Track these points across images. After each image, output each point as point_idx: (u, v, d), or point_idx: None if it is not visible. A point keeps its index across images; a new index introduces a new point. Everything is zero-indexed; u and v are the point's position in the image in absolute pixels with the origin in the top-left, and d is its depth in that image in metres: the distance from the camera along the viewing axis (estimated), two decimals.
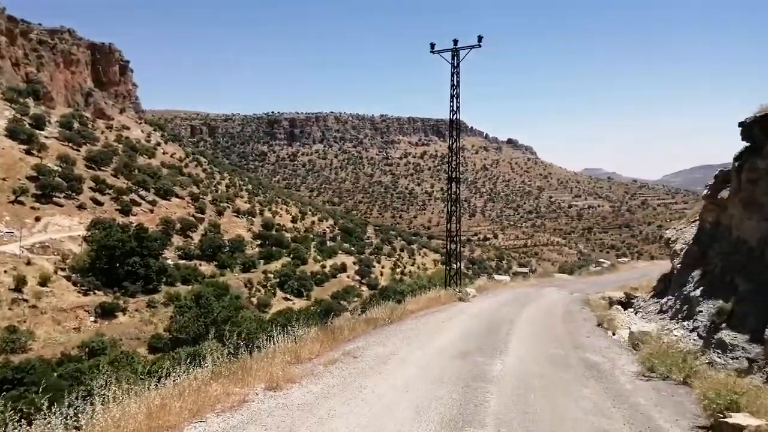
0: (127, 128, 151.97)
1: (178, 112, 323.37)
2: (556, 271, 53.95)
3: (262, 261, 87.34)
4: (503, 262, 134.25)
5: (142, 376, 9.20)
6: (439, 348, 12.57)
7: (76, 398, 6.59)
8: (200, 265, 78.16)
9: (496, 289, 29.44)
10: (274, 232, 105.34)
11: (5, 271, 57.59)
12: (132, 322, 56.93)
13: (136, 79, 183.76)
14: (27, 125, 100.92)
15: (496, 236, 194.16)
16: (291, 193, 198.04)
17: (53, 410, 6.19)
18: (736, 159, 16.83)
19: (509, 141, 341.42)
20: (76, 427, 6.22)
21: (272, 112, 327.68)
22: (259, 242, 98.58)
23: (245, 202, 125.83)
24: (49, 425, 6.05)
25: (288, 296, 76.20)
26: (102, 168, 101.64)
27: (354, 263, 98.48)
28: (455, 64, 30.87)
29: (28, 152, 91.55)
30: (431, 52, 31.18)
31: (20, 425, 5.81)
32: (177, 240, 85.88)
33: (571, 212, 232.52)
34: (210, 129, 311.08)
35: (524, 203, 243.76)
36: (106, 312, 56.18)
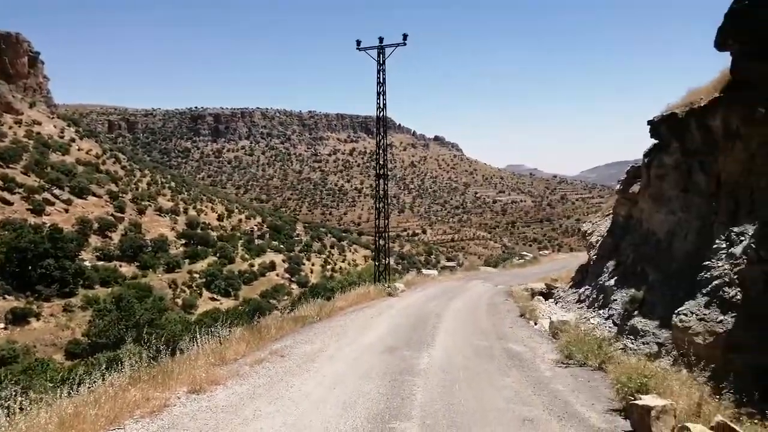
0: (38, 123, 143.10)
1: (94, 106, 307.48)
2: (482, 265, 55.44)
3: (187, 261, 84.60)
4: (432, 256, 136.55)
5: (58, 384, 8.71)
6: (367, 344, 12.62)
7: None
8: (120, 266, 74.83)
9: (425, 283, 29.89)
10: (199, 231, 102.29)
11: None
12: (47, 327, 53.76)
13: (48, 71, 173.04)
14: None
15: (424, 231, 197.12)
16: (217, 191, 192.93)
17: None
18: (645, 155, 17.85)
19: (436, 138, 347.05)
20: None
21: (195, 108, 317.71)
22: (183, 241, 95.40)
23: (168, 200, 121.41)
24: None
25: (215, 296, 74.26)
26: (11, 165, 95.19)
27: (283, 261, 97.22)
28: (381, 62, 31.02)
29: None
30: (357, 49, 31.19)
31: None
32: (95, 240, 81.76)
33: (496, 207, 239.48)
34: (129, 124, 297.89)
35: (451, 199, 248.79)
36: (17, 318, 52.80)
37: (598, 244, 23.00)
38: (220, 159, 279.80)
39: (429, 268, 43.00)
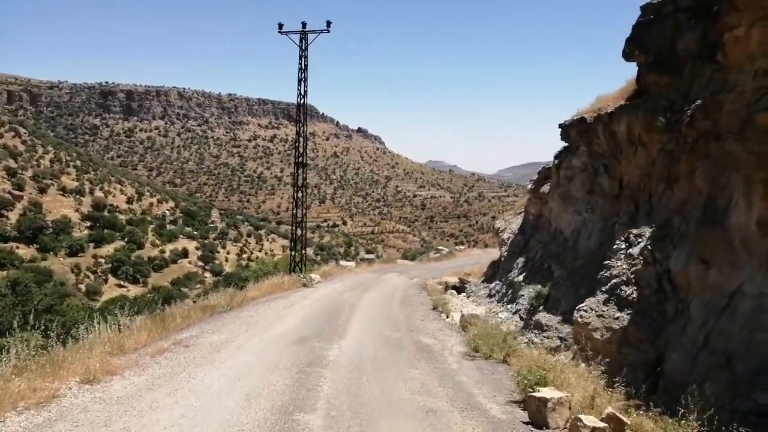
0: None
1: None
2: (400, 258, 56.14)
3: (92, 244, 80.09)
4: (351, 248, 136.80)
5: None
6: (277, 335, 12.42)
7: None
8: (17, 248, 69.82)
9: (342, 274, 29.86)
10: (106, 214, 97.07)
11: None
12: None
13: None
14: None
15: (345, 223, 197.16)
16: (127, 172, 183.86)
17: None
18: (556, 157, 18.61)
19: (359, 130, 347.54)
20: None
21: (106, 83, 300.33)
22: (88, 224, 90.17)
23: (73, 180, 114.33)
24: None
25: (122, 283, 70.83)
26: None
27: (197, 248, 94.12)
28: (303, 48, 30.57)
29: None
30: (279, 32, 30.56)
31: None
32: None
33: (416, 202, 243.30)
34: (32, 96, 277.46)
35: (372, 191, 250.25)
36: None
37: (509, 241, 23.80)
38: (132, 139, 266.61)
39: (348, 260, 43.04)
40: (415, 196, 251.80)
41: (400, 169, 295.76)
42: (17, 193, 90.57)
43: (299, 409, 7.40)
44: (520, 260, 20.69)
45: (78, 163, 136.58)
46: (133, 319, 11.72)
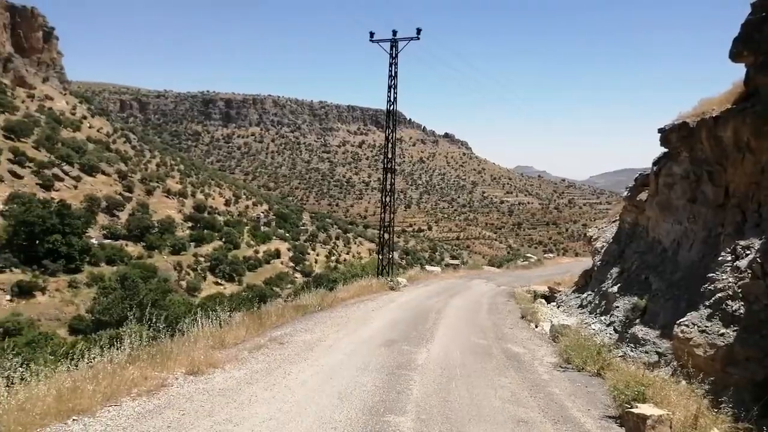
0: (51, 99, 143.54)
1: (107, 85, 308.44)
2: (486, 264, 55.38)
3: (192, 244, 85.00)
4: (436, 253, 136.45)
5: (59, 359, 8.78)
6: (367, 336, 12.65)
7: None
8: (127, 245, 75.27)
9: (427, 279, 29.90)
10: (206, 215, 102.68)
11: None
12: (52, 302, 54.20)
13: (62, 47, 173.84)
14: None
15: (430, 228, 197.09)
16: (225, 176, 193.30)
17: None
18: (654, 164, 17.72)
19: (446, 135, 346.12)
20: None
21: (207, 91, 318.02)
22: (190, 224, 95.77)
23: (176, 183, 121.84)
24: None
25: (219, 281, 74.64)
26: (22, 139, 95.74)
27: (288, 250, 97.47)
28: (394, 55, 30.96)
29: None
30: (370, 41, 31.14)
31: None
32: (102, 219, 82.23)
33: (503, 208, 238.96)
34: (141, 105, 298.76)
35: (458, 197, 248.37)
36: (23, 291, 53.26)
37: (602, 250, 22.90)
38: (230, 144, 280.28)
39: (433, 265, 43.01)
40: (502, 202, 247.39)
41: (486, 174, 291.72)
42: (127, 194, 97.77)
43: (390, 410, 7.53)
44: (615, 270, 19.86)
45: (181, 167, 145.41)
46: (232, 315, 12.37)
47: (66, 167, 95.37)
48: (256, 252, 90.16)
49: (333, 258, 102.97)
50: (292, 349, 10.76)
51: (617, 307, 17.68)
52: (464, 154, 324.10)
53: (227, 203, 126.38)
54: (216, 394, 7.79)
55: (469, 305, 19.62)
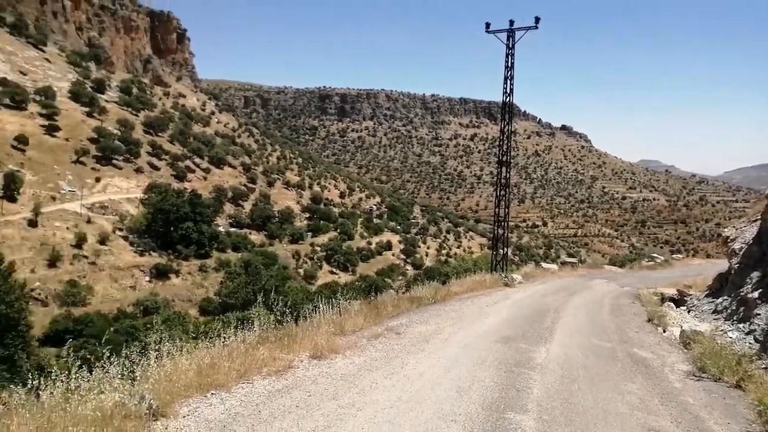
0: (183, 96, 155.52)
1: (233, 82, 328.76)
2: (606, 263, 52.72)
3: (309, 234, 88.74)
4: (551, 250, 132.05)
5: (192, 337, 9.53)
6: (482, 331, 12.52)
7: (131, 352, 6.89)
8: (250, 233, 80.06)
9: (543, 277, 29.00)
10: (322, 206, 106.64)
11: (67, 228, 60.44)
12: (184, 284, 58.98)
13: (193, 47, 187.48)
14: (89, 88, 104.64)
15: (545, 224, 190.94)
16: (340, 169, 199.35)
17: (111, 361, 6.49)
18: None
19: (563, 127, 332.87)
20: (131, 378, 6.51)
21: (324, 87, 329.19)
22: (307, 215, 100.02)
23: (295, 175, 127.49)
24: (107, 374, 6.35)
25: (334, 270, 77.33)
26: (159, 134, 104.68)
27: (399, 242, 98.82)
28: (510, 45, 30.21)
29: (89, 115, 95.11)
30: (486, 31, 30.59)
31: (82, 371, 6.13)
32: (228, 208, 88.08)
33: (625, 204, 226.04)
34: (263, 101, 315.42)
35: (576, 192, 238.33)
36: (160, 273, 58.35)
37: (741, 252, 20.96)
38: (345, 138, 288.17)
39: (548, 262, 41.63)
40: (624, 198, 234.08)
41: (607, 168, 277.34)
42: (251, 185, 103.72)
43: (510, 408, 7.40)
44: (755, 274, 18.09)
45: (299, 160, 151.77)
46: (351, 303, 12.74)
47: (197, 160, 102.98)
48: (369, 243, 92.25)
49: (443, 252, 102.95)
50: (408, 340, 10.88)
51: (758, 314, 16.12)
52: (583, 147, 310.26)
53: (342, 195, 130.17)
54: (338, 378, 8.07)
55: (589, 305, 18.79)
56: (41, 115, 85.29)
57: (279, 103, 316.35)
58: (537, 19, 29.62)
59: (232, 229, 78.91)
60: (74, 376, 5.97)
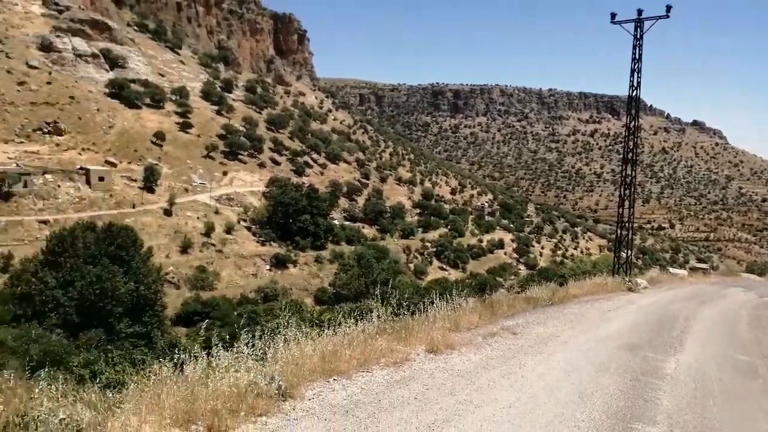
0: (303, 94, 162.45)
1: (349, 80, 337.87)
2: (743, 271, 48.30)
3: (420, 229, 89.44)
4: (679, 255, 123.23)
5: (311, 324, 9.94)
6: (604, 336, 11.96)
7: (259, 336, 7.32)
8: (363, 227, 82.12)
9: (671, 282, 27.14)
10: (433, 202, 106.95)
11: (197, 218, 65.38)
12: (301, 274, 61.80)
13: (312, 47, 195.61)
14: (218, 88, 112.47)
15: (672, 226, 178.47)
16: (451, 165, 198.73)
17: (242, 341, 6.94)
18: None
19: (694, 123, 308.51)
20: (261, 358, 6.93)
21: (437, 83, 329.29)
22: (418, 211, 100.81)
23: (407, 171, 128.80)
24: (240, 354, 6.81)
25: (444, 266, 77.40)
26: (280, 130, 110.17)
27: (512, 240, 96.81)
28: (638, 36, 28.49)
29: (218, 113, 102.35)
30: (611, 22, 29.05)
31: (218, 350, 6.62)
32: (343, 202, 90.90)
33: (765, 207, 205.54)
34: (377, 98, 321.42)
35: (708, 193, 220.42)
36: (279, 262, 61.53)
37: None
38: (457, 134, 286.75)
39: (675, 267, 38.86)
40: (764, 200, 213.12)
41: (745, 167, 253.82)
42: (364, 181, 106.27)
43: (637, 418, 7.01)
44: None
45: (411, 156, 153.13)
46: (466, 300, 12.67)
47: (314, 155, 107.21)
48: (480, 241, 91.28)
49: (559, 252, 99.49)
50: (525, 341, 10.64)
51: None
52: (717, 144, 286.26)
53: (453, 192, 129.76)
54: (455, 374, 8.06)
55: (724, 315, 17.32)
56: (176, 113, 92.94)
57: (392, 100, 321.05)
58: (668, 8, 27.68)
59: (346, 223, 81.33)
60: (215, 355, 6.48)
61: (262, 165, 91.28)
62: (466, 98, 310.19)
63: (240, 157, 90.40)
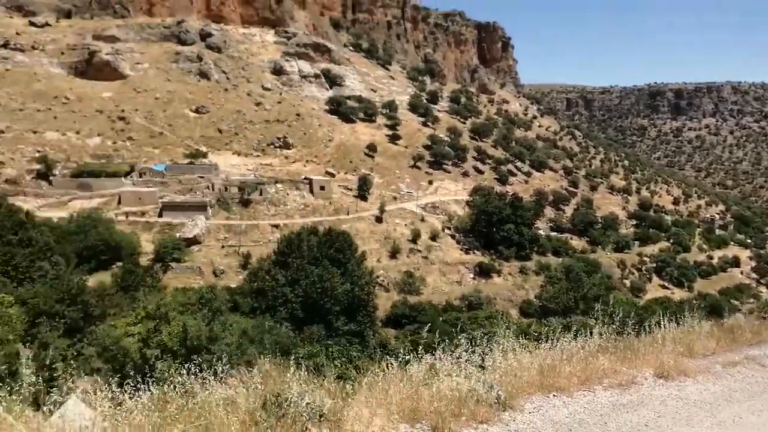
0: (506, 102, 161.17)
1: (554, 85, 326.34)
2: None
3: (636, 242, 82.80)
4: None
5: (516, 336, 9.72)
6: None
7: (473, 343, 7.33)
8: (571, 238, 78.60)
9: None
10: (651, 213, 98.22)
11: (405, 225, 68.55)
12: (505, 284, 61.20)
13: (516, 54, 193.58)
14: (424, 100, 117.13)
15: None
16: (673, 172, 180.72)
17: (460, 347, 7.02)
18: None
19: None
20: (480, 366, 6.96)
21: (654, 83, 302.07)
22: (634, 222, 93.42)
23: (620, 179, 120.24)
24: (458, 359, 6.91)
25: (665, 284, 70.57)
26: (483, 139, 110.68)
27: (750, 258, 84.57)
28: None
29: (424, 124, 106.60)
30: None
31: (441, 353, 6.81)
32: (549, 212, 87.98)
33: None
34: (586, 102, 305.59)
35: None
36: (483, 271, 61.73)
37: None
38: (679, 138, 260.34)
39: None
40: None
41: None
42: (572, 189, 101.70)
43: None
44: None
45: (626, 163, 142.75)
46: (699, 323, 11.36)
47: (518, 163, 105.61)
48: (710, 257, 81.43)
49: None
50: None
51: None
52: None
53: (675, 202, 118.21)
54: (691, 404, 7.25)
55: None
56: (386, 125, 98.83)
57: (603, 104, 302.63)
58: None
59: (553, 233, 78.44)
60: (438, 358, 6.69)
61: (465, 174, 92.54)
62: (689, 98, 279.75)
63: (444, 166, 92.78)
